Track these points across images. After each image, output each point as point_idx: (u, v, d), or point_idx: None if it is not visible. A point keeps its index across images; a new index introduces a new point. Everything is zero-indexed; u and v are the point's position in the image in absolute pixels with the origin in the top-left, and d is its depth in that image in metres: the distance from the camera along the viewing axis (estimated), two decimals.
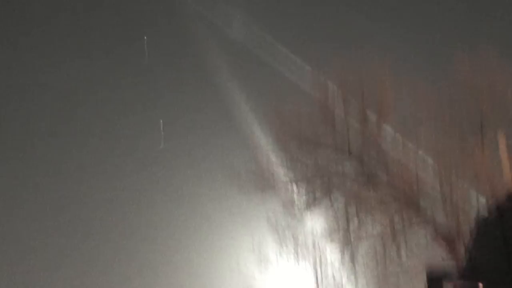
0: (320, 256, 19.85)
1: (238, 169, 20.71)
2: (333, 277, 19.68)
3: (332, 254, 19.90)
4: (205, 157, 27.76)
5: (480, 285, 10.48)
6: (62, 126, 32.45)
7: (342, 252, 19.54)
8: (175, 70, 32.68)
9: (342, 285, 19.61)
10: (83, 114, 32.33)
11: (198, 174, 27.96)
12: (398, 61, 21.53)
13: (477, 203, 17.27)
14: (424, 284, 10.60)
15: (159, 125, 30.93)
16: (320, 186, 20.21)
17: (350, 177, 19.85)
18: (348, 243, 19.49)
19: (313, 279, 19.73)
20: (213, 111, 30.24)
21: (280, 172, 20.84)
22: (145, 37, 31.38)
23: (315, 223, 20.24)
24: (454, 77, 19.72)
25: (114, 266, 29.73)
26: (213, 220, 26.57)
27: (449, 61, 19.86)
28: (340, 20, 30.35)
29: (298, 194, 20.39)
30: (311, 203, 20.19)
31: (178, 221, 29.77)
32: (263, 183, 20.64)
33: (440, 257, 17.46)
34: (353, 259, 19.36)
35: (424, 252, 18.08)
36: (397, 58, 21.83)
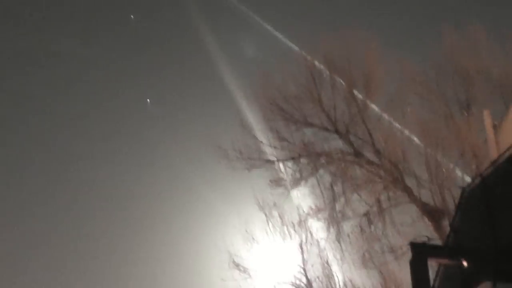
0: (307, 234, 19.91)
1: (226, 148, 20.70)
2: (319, 255, 19.76)
3: (318, 232, 19.98)
4: (193, 137, 27.74)
5: (464, 262, 10.50)
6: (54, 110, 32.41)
7: (328, 231, 19.61)
8: (164, 51, 32.59)
9: (328, 263, 19.71)
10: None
11: (186, 153, 27.96)
12: (386, 40, 21.53)
13: (463, 181, 17.35)
14: (408, 262, 10.62)
15: (147, 105, 30.88)
16: (306, 165, 20.22)
17: (337, 156, 19.86)
18: (334, 221, 19.56)
19: (299, 257, 19.79)
20: (202, 91, 30.19)
21: (267, 151, 20.81)
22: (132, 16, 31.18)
23: (302, 202, 20.30)
24: (442, 56, 19.75)
25: (101, 237, 29.93)
26: (200, 199, 26.62)
27: (437, 40, 19.87)
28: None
29: (285, 173, 20.41)
30: (298, 182, 20.22)
31: (165, 200, 29.81)
32: (251, 162, 20.63)
33: (425, 235, 17.55)
34: (339, 238, 19.46)
35: (410, 231, 18.16)
36: (384, 37, 21.85)
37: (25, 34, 31.22)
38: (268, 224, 20.35)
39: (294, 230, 19.96)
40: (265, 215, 20.38)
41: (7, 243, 29.46)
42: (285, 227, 20.08)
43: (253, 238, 20.54)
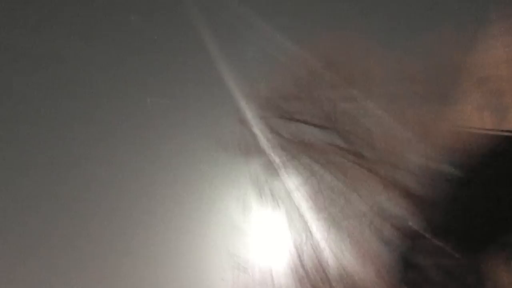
0: (306, 235, 19.90)
1: (225, 149, 20.73)
2: (319, 255, 19.75)
3: (317, 233, 19.96)
4: (193, 137, 27.75)
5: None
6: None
7: (328, 231, 19.60)
8: (164, 51, 32.53)
9: (328, 264, 19.69)
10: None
11: (185, 153, 27.97)
12: (386, 40, 21.49)
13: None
14: None
15: (147, 104, 30.82)
16: (306, 165, 20.24)
17: (337, 156, 19.87)
18: (334, 221, 19.55)
19: (299, 257, 19.80)
20: (202, 91, 30.12)
21: (267, 151, 20.81)
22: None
23: (301, 201, 20.28)
24: (441, 54, 19.70)
25: (100, 237, 29.85)
26: (199, 199, 26.56)
27: (436, 38, 19.80)
28: None
29: (284, 173, 20.42)
30: (298, 182, 20.22)
31: (165, 199, 29.76)
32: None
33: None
34: (339, 238, 19.43)
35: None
36: (384, 37, 21.81)
37: (25, 34, 31.19)
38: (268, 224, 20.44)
39: (292, 234, 20.00)
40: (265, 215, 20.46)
41: (7, 243, 29.45)
42: (283, 231, 20.14)
43: (253, 238, 20.61)
